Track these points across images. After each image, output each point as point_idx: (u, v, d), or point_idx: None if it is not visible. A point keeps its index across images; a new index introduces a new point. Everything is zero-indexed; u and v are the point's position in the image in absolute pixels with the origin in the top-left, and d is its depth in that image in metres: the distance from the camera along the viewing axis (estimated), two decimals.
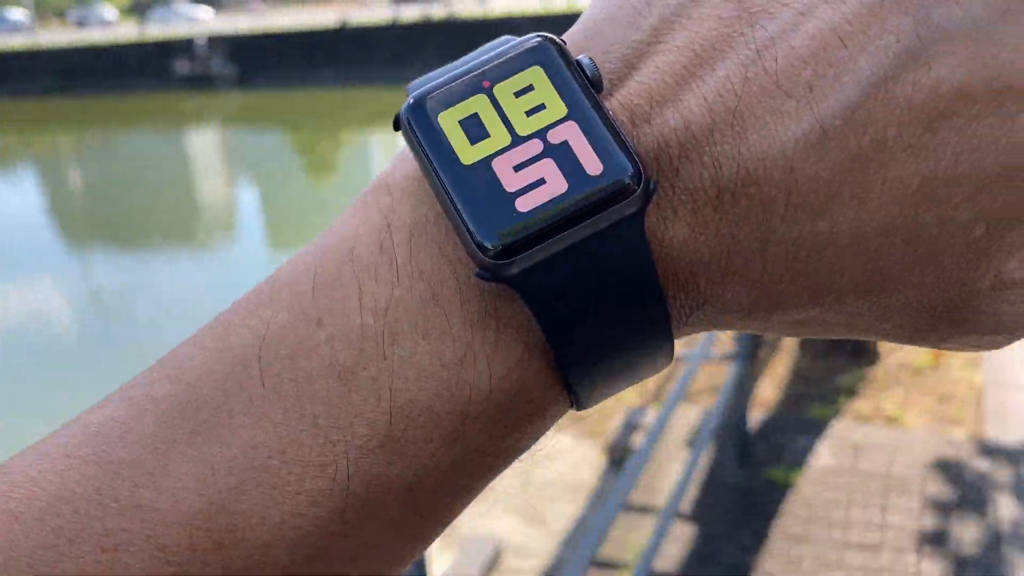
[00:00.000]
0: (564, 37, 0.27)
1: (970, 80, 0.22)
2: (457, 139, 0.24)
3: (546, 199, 0.23)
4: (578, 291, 0.23)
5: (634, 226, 0.23)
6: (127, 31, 32.57)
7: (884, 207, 0.22)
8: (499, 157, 0.24)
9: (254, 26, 29.73)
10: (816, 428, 3.56)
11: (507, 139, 0.24)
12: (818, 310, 0.24)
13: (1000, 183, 0.22)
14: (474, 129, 0.24)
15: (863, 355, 4.07)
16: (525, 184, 0.23)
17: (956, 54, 0.22)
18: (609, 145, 0.23)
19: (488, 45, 0.27)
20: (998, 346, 0.25)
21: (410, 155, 0.26)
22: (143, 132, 23.40)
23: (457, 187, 0.23)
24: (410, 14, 27.57)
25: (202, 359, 0.24)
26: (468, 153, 0.24)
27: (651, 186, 0.23)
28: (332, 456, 0.23)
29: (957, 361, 3.96)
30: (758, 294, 0.24)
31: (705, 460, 3.32)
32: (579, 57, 0.25)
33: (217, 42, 27.54)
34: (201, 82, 27.27)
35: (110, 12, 41.61)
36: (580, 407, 0.26)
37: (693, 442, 3.26)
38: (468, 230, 0.23)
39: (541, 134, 0.24)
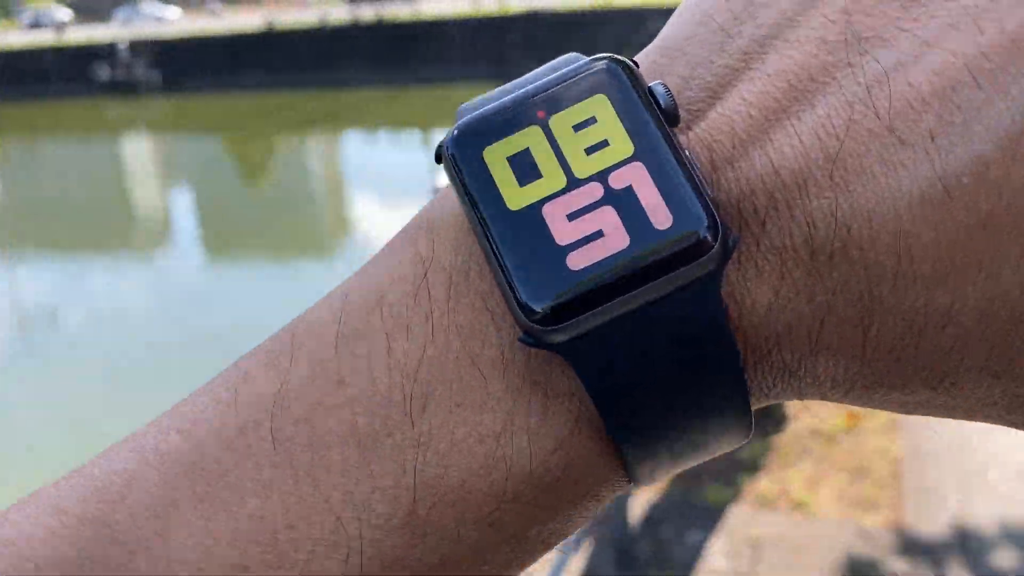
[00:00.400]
0: (639, 57, 0.24)
1: None
2: (505, 179, 0.21)
3: (603, 256, 0.20)
4: (638, 362, 0.20)
5: (709, 289, 0.20)
6: (76, 35, 31.55)
7: (1017, 284, 0.19)
8: (551, 203, 0.21)
9: (180, 30, 29.14)
10: (710, 518, 2.98)
11: (562, 181, 0.21)
12: (932, 394, 0.21)
13: None
14: (525, 168, 0.21)
15: (770, 420, 3.49)
16: (580, 236, 0.20)
17: None
18: (681, 192, 0.20)
19: (552, 64, 0.24)
20: None
21: (449, 192, 0.23)
22: (67, 140, 22.76)
23: (502, 237, 0.21)
24: (367, 14, 27.35)
25: (214, 412, 0.22)
26: (516, 197, 0.21)
27: (731, 242, 0.20)
28: (345, 536, 0.21)
29: (873, 423, 3.46)
30: (857, 371, 0.21)
31: (577, 565, 2.75)
32: (652, 84, 0.22)
33: (140, 47, 26.94)
34: (124, 88, 26.64)
35: (64, 13, 40.16)
36: (639, 485, 0.23)
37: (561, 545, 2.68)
38: (512, 288, 0.20)
39: (602, 176, 0.21)
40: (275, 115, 22.30)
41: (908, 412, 0.22)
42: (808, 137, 0.20)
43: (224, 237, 12.39)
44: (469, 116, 0.23)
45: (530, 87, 0.23)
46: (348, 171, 17.45)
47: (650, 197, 0.20)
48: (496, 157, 0.22)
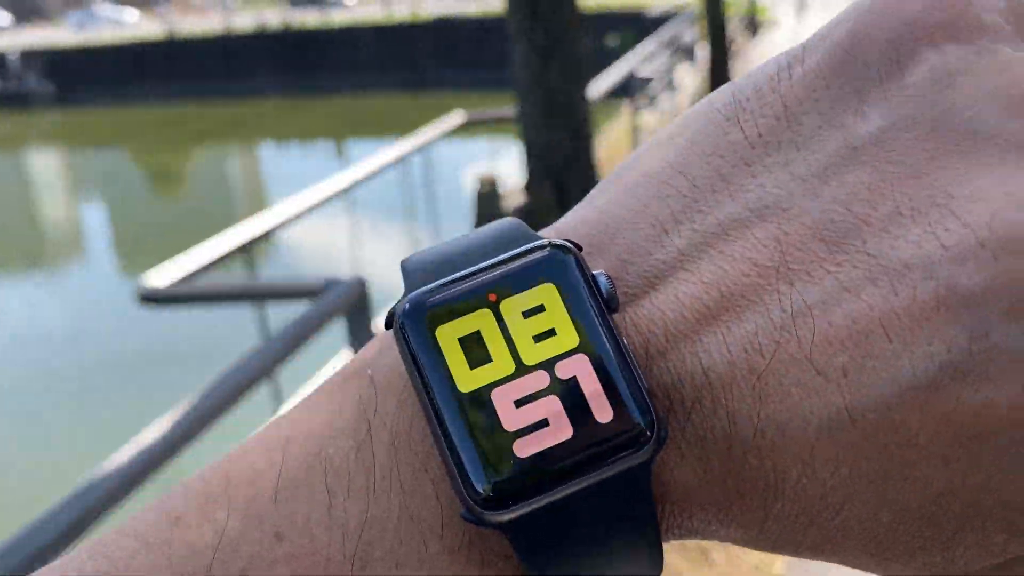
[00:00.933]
0: (576, 224, 0.25)
1: (1019, 407, 0.20)
2: (455, 360, 0.22)
3: (547, 445, 0.21)
4: (574, 542, 0.22)
5: (641, 476, 0.21)
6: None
7: (898, 502, 0.21)
8: (500, 388, 0.21)
9: (75, 40, 27.98)
10: None
11: (511, 367, 0.22)
12: (817, 554, 0.23)
13: None
14: (475, 350, 0.22)
15: None
16: (526, 424, 0.21)
17: (1008, 380, 0.20)
18: (622, 388, 0.21)
19: (495, 229, 0.25)
20: None
21: (393, 345, 0.23)
22: None
23: (451, 418, 0.21)
24: (274, 22, 26.70)
25: (144, 561, 0.21)
26: (467, 379, 0.22)
27: (662, 436, 0.21)
28: None
29: None
30: (755, 536, 0.23)
31: None
32: (596, 273, 0.23)
33: (32, 57, 25.79)
34: (14, 101, 25.49)
35: (3, 18, 37.79)
36: None
37: None
38: (460, 468, 0.21)
39: (548, 365, 0.22)
40: (178, 126, 21.68)
41: (801, 557, 0.24)
42: (736, 349, 0.21)
43: (140, 250, 11.92)
44: (422, 290, 0.23)
45: (481, 265, 0.23)
46: (267, 181, 17.06)
47: (592, 390, 0.21)
48: (448, 337, 0.22)
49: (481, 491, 0.21)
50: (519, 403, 0.21)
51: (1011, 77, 0.21)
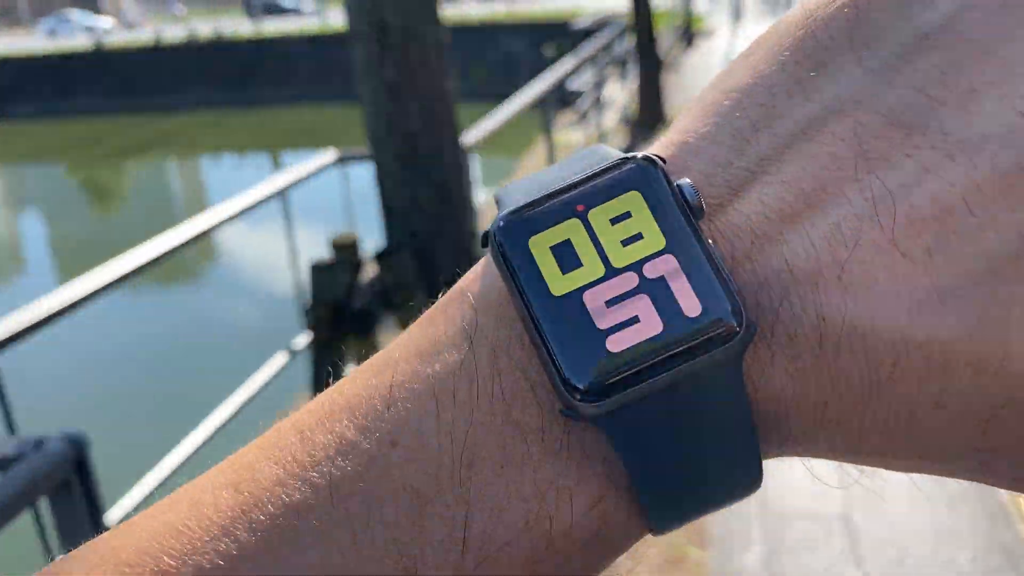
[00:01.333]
0: (661, 149, 0.26)
1: None
2: (548, 267, 0.23)
3: (639, 340, 0.22)
4: (668, 436, 0.23)
5: (731, 371, 0.22)
6: None
7: (1000, 381, 0.21)
8: (591, 290, 0.23)
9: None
10: None
11: (601, 270, 0.23)
12: (922, 462, 0.23)
13: None
14: (567, 257, 0.23)
15: None
16: (618, 321, 0.22)
17: None
18: (709, 283, 0.22)
19: (581, 154, 0.26)
20: None
21: (491, 267, 0.25)
22: None
23: (547, 320, 0.22)
24: (205, 32, 26.38)
25: (269, 472, 0.23)
26: (559, 283, 0.23)
27: (752, 330, 0.22)
28: None
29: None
30: (854, 442, 0.23)
31: None
32: (680, 182, 0.23)
33: None
34: None
35: None
36: (658, 535, 0.25)
37: None
38: (556, 366, 0.22)
39: (637, 267, 0.23)
40: (112, 140, 21.33)
41: (895, 470, 0.24)
42: (820, 243, 0.22)
43: (81, 264, 11.82)
44: (514, 207, 0.24)
45: (569, 180, 0.24)
46: (209, 194, 16.97)
47: (681, 287, 0.22)
48: (540, 247, 0.23)
49: (577, 385, 0.22)
50: (610, 303, 0.22)
51: None
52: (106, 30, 33.94)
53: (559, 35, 14.93)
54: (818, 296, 0.22)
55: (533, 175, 0.26)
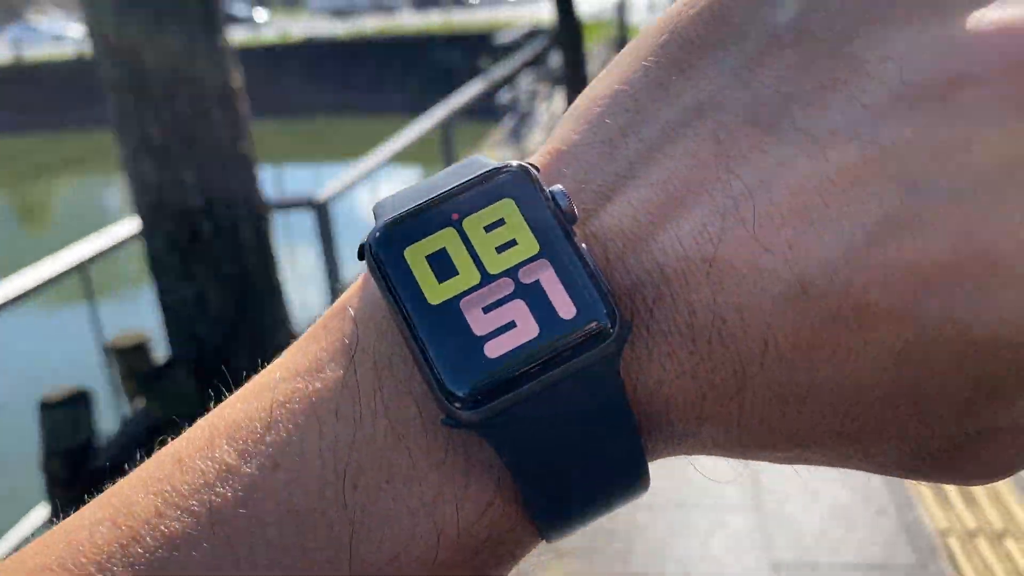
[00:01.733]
0: (537, 158, 0.25)
1: (955, 253, 0.21)
2: (424, 277, 0.23)
3: (516, 344, 0.22)
4: (550, 437, 0.22)
5: (608, 370, 0.22)
6: None
7: (864, 367, 0.22)
8: (468, 297, 0.23)
9: None
10: None
11: (476, 277, 0.23)
12: (800, 451, 0.24)
13: (985, 353, 0.21)
14: (442, 266, 0.23)
15: None
16: (495, 327, 0.22)
17: (941, 226, 0.21)
18: (583, 286, 0.22)
19: (458, 166, 0.25)
20: (987, 483, 0.25)
21: (370, 280, 0.25)
22: None
23: (424, 330, 0.22)
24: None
25: (147, 503, 0.22)
26: (436, 292, 0.23)
27: (626, 329, 0.22)
28: None
29: None
30: (737, 435, 0.23)
31: None
32: (552, 188, 0.23)
33: None
34: None
35: None
36: (551, 541, 0.24)
37: None
38: (436, 375, 0.22)
39: (512, 272, 0.23)
40: (37, 157, 20.26)
41: (783, 463, 0.25)
42: (687, 241, 0.22)
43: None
44: (389, 217, 0.24)
45: (444, 190, 0.24)
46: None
47: (556, 291, 0.22)
48: (416, 256, 0.23)
49: (457, 393, 0.22)
50: (487, 309, 0.22)
51: None
52: (76, 39, 31.22)
53: (476, 48, 14.36)
54: (688, 293, 0.22)
55: (410, 187, 0.26)
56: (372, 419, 0.23)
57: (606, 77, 0.26)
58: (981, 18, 0.21)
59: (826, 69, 0.22)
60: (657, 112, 0.24)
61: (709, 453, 0.24)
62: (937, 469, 0.24)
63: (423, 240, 0.23)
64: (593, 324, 0.22)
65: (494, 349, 0.22)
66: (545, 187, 0.24)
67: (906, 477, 0.25)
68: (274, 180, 18.10)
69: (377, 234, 0.24)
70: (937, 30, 0.21)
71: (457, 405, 0.22)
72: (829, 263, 0.21)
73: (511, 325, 0.22)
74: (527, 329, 0.22)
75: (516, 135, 7.44)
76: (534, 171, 0.24)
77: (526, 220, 0.23)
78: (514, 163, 0.24)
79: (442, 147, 5.04)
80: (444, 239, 0.23)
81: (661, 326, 0.22)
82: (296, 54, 22.53)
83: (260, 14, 37.39)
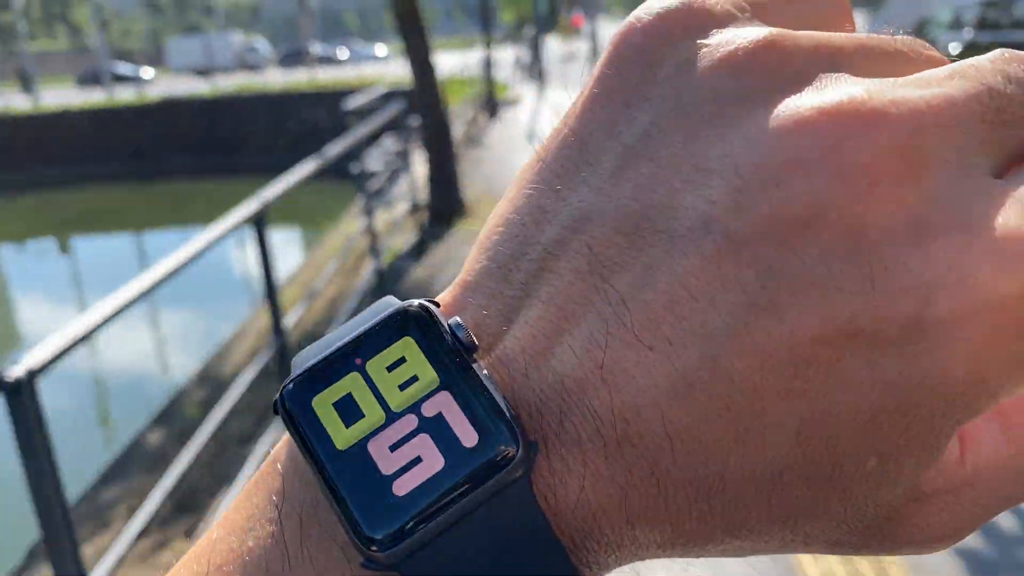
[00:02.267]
0: (445, 294, 0.26)
1: (822, 326, 0.21)
2: (332, 423, 0.23)
3: (423, 479, 0.22)
4: (474, 568, 0.22)
5: (521, 490, 0.22)
6: None
7: (768, 450, 0.22)
8: (374, 438, 0.23)
9: None
10: None
11: (381, 417, 0.23)
12: (742, 542, 0.24)
13: (880, 419, 0.22)
14: (349, 410, 0.23)
15: None
16: (401, 464, 0.22)
17: (803, 302, 0.21)
18: (484, 412, 0.23)
19: (369, 309, 0.26)
20: (938, 550, 0.25)
21: None
22: None
23: (336, 475, 0.23)
24: (19, 104, 23.39)
25: None
26: (343, 437, 0.23)
27: (532, 448, 0.22)
28: None
29: None
30: (671, 533, 0.23)
31: None
32: (450, 321, 0.24)
33: None
34: None
35: None
36: None
37: None
38: (352, 520, 0.22)
39: (415, 408, 0.23)
40: None
41: (735, 556, 0.25)
42: (580, 350, 0.23)
43: None
44: (298, 370, 0.25)
45: (350, 338, 0.25)
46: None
47: (457, 421, 0.23)
48: (324, 405, 0.24)
49: (371, 535, 0.22)
50: (393, 447, 0.23)
51: (733, 45, 0.24)
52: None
53: (329, 108, 13.68)
54: (590, 399, 0.23)
55: (325, 337, 0.26)
56: (301, 571, 0.23)
57: (501, 205, 0.27)
58: (800, 106, 0.23)
59: (676, 173, 0.23)
60: (540, 233, 0.25)
61: (656, 556, 0.24)
62: (883, 543, 0.24)
63: (330, 388, 0.24)
64: (496, 450, 0.22)
65: (401, 487, 0.22)
66: (445, 321, 0.24)
67: (857, 554, 0.25)
68: (135, 248, 17.03)
69: (288, 387, 0.24)
70: (765, 122, 0.23)
71: (374, 548, 0.22)
72: (707, 354, 0.22)
73: (417, 460, 0.22)
74: (433, 463, 0.22)
75: (377, 206, 6.56)
76: (434, 307, 0.25)
77: (425, 355, 0.24)
78: (416, 302, 0.25)
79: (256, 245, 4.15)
80: (349, 384, 0.24)
81: (571, 436, 0.23)
82: (152, 116, 21.39)
83: (147, 72, 35.91)
